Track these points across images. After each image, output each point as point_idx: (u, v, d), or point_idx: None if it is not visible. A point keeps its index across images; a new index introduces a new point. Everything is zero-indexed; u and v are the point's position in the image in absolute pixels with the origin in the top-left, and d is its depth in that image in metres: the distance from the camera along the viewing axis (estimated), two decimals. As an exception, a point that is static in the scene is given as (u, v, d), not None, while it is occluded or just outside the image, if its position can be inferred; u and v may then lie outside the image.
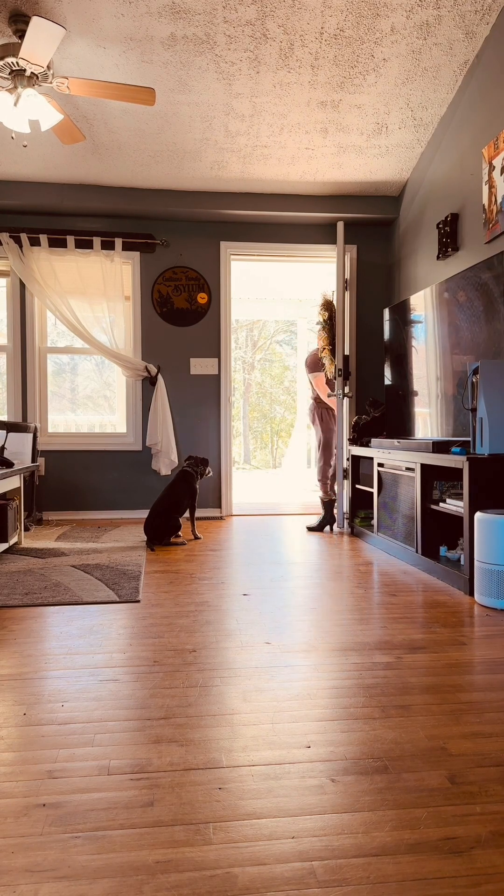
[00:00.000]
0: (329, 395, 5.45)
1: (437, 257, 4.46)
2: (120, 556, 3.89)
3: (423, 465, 3.63)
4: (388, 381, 4.92)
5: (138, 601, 2.94)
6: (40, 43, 3.12)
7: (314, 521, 5.22)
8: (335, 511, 4.96)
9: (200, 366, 5.54)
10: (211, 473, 4.70)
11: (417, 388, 4.34)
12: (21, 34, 3.35)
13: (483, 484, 3.08)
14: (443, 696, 1.91)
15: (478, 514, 2.91)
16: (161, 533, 4.28)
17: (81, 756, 1.56)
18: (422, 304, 4.26)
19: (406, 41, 3.69)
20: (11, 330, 5.38)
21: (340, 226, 5.14)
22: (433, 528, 3.64)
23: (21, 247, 5.24)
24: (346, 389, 5.25)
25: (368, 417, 5.02)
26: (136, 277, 5.46)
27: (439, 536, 3.64)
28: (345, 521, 5.03)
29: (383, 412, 5.00)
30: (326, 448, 5.36)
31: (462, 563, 3.32)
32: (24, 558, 3.86)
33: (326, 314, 5.45)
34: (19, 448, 4.66)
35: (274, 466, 14.88)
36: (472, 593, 3.04)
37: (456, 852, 1.21)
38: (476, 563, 2.90)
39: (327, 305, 5.45)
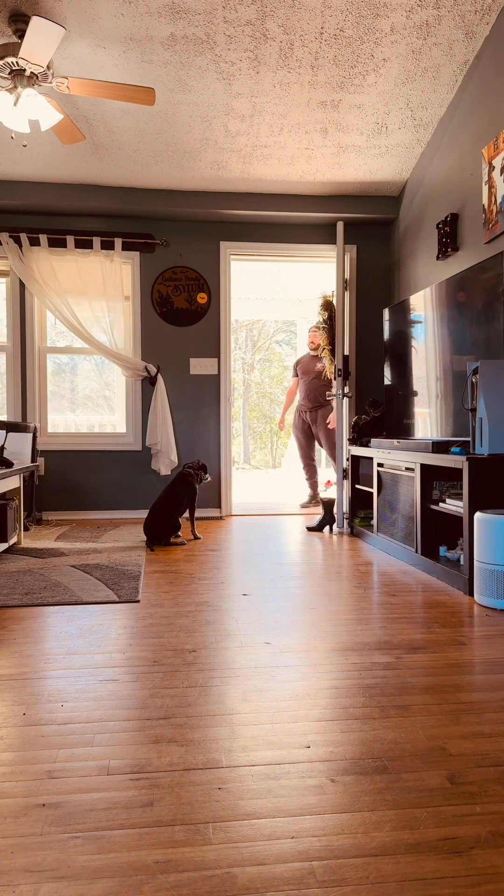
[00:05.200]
0: (329, 397, 5.46)
1: (437, 257, 4.46)
2: (120, 556, 3.89)
3: (422, 465, 3.63)
4: (387, 381, 4.92)
5: (138, 601, 2.94)
6: (40, 43, 3.12)
7: (314, 521, 5.23)
8: (335, 511, 4.96)
9: (200, 366, 5.54)
10: (210, 479, 4.69)
11: (417, 388, 4.34)
12: (21, 34, 3.35)
13: (483, 484, 3.08)
14: (442, 696, 1.91)
15: (477, 514, 2.91)
16: (161, 533, 4.28)
17: (81, 756, 1.56)
18: (422, 304, 4.26)
19: (406, 41, 3.70)
20: (11, 330, 5.38)
21: (340, 226, 5.14)
22: (433, 528, 3.64)
23: (21, 247, 5.24)
24: (346, 389, 5.25)
25: (368, 417, 5.02)
26: (135, 277, 5.46)
27: (439, 536, 3.64)
28: (344, 521, 5.03)
29: (383, 412, 5.00)
30: (334, 448, 5.89)
31: (462, 563, 3.32)
32: (23, 558, 3.86)
33: (326, 314, 5.45)
34: (19, 448, 4.66)
35: (273, 466, 14.88)
36: (471, 593, 3.04)
37: (455, 852, 1.21)
38: (476, 563, 2.90)
39: (327, 305, 5.46)
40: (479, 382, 3.11)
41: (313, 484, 6.19)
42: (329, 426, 5.94)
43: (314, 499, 6.18)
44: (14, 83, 3.38)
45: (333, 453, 5.97)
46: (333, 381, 5.28)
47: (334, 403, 5.91)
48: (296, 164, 4.86)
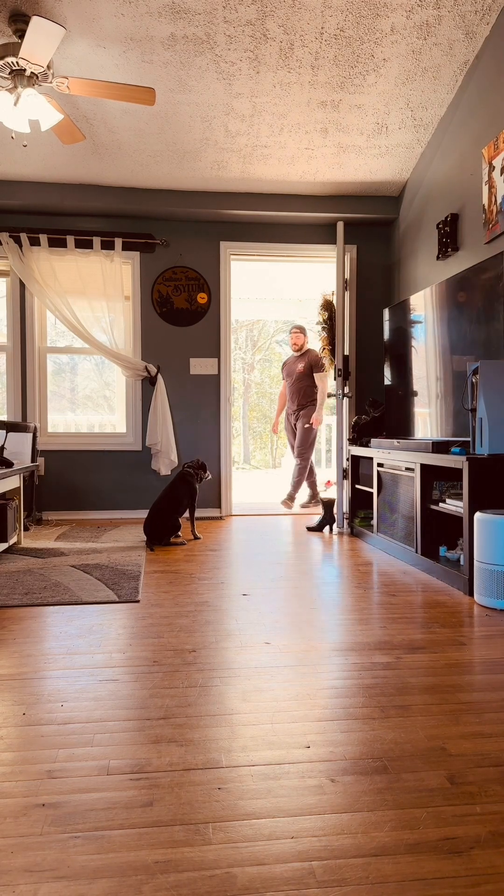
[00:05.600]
0: (329, 396, 5.46)
1: (437, 257, 4.46)
2: (119, 556, 3.89)
3: (422, 466, 3.63)
4: (387, 381, 4.92)
5: (138, 601, 2.94)
6: (40, 43, 3.12)
7: (314, 521, 5.22)
8: (335, 511, 4.96)
9: (200, 366, 5.54)
10: (210, 477, 4.70)
11: (417, 388, 4.34)
12: (21, 34, 3.35)
13: (483, 484, 3.08)
14: (442, 696, 1.91)
15: (477, 514, 2.91)
16: (161, 533, 4.28)
17: (81, 756, 1.56)
18: (422, 304, 4.26)
19: (406, 41, 3.70)
20: (11, 330, 5.38)
21: (340, 226, 5.14)
22: (433, 529, 3.64)
23: (21, 247, 5.24)
24: (346, 389, 5.25)
25: (368, 417, 5.02)
26: (135, 277, 5.46)
27: (439, 536, 3.64)
28: (344, 521, 5.03)
29: (383, 412, 5.00)
30: (304, 446, 5.85)
31: (462, 563, 3.32)
32: (23, 558, 3.86)
33: (326, 314, 5.45)
34: (19, 448, 4.66)
35: (273, 466, 14.88)
36: (471, 593, 3.04)
37: (455, 852, 1.21)
38: (476, 563, 2.90)
39: (327, 305, 5.46)
40: (479, 382, 3.11)
41: (312, 484, 6.19)
42: (306, 427, 5.92)
43: (314, 499, 6.18)
44: (14, 83, 3.38)
45: (303, 451, 5.96)
46: (334, 379, 5.27)
47: (317, 403, 5.92)
48: (296, 164, 4.86)
